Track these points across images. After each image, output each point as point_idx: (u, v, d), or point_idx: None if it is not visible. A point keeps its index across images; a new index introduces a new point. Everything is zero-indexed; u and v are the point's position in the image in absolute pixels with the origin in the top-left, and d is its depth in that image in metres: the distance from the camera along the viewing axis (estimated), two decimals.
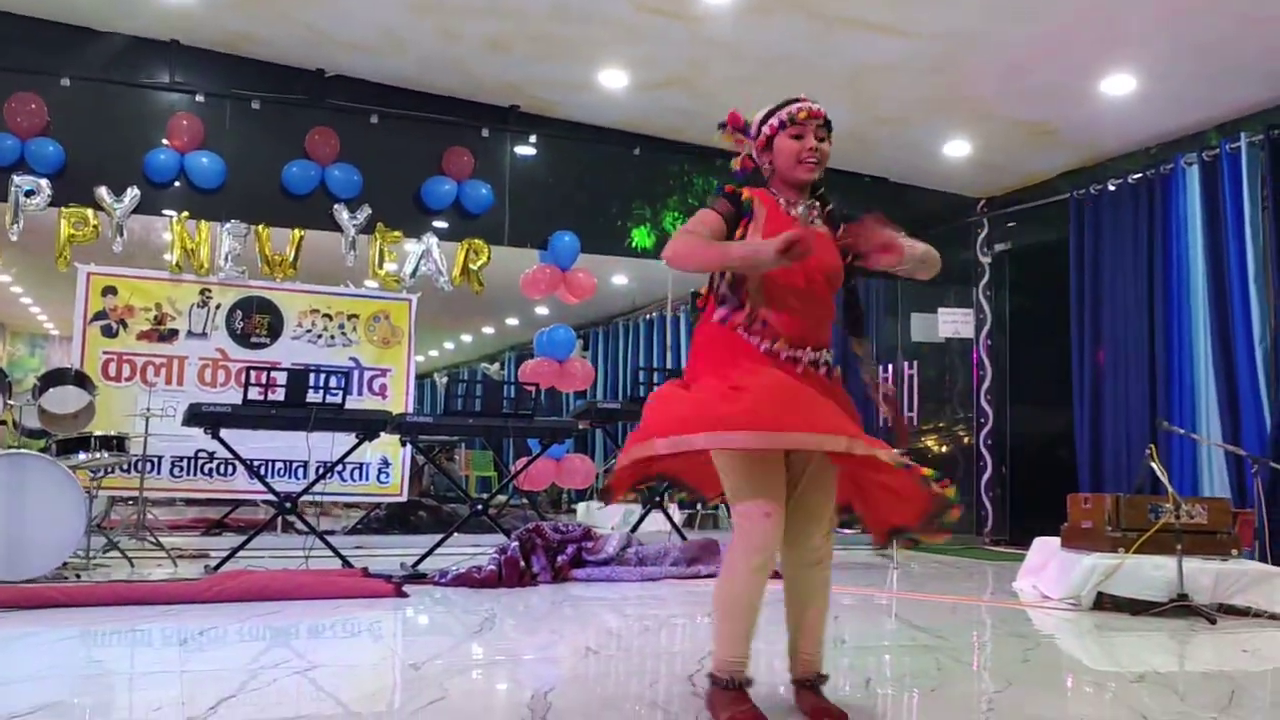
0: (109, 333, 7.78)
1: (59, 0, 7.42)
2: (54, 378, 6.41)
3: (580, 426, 7.64)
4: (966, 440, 10.05)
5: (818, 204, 3.04)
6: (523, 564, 5.93)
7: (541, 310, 10.84)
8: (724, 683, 2.79)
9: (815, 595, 2.98)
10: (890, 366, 10.21)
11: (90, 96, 7.75)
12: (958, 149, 8.82)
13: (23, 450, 5.57)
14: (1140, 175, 8.13)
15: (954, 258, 10.14)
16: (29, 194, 7.30)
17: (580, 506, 10.86)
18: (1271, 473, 6.25)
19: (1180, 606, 4.96)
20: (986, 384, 9.97)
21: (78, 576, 5.51)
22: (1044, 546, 6.07)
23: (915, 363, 10.09)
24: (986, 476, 9.86)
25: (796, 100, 3.00)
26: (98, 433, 6.30)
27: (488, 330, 15.46)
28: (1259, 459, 6.17)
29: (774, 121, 2.97)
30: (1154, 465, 5.42)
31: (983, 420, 9.95)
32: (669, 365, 11.60)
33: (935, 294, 10.11)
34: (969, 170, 9.32)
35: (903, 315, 10.18)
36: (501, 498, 9.10)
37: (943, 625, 4.84)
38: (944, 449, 10.12)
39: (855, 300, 3.15)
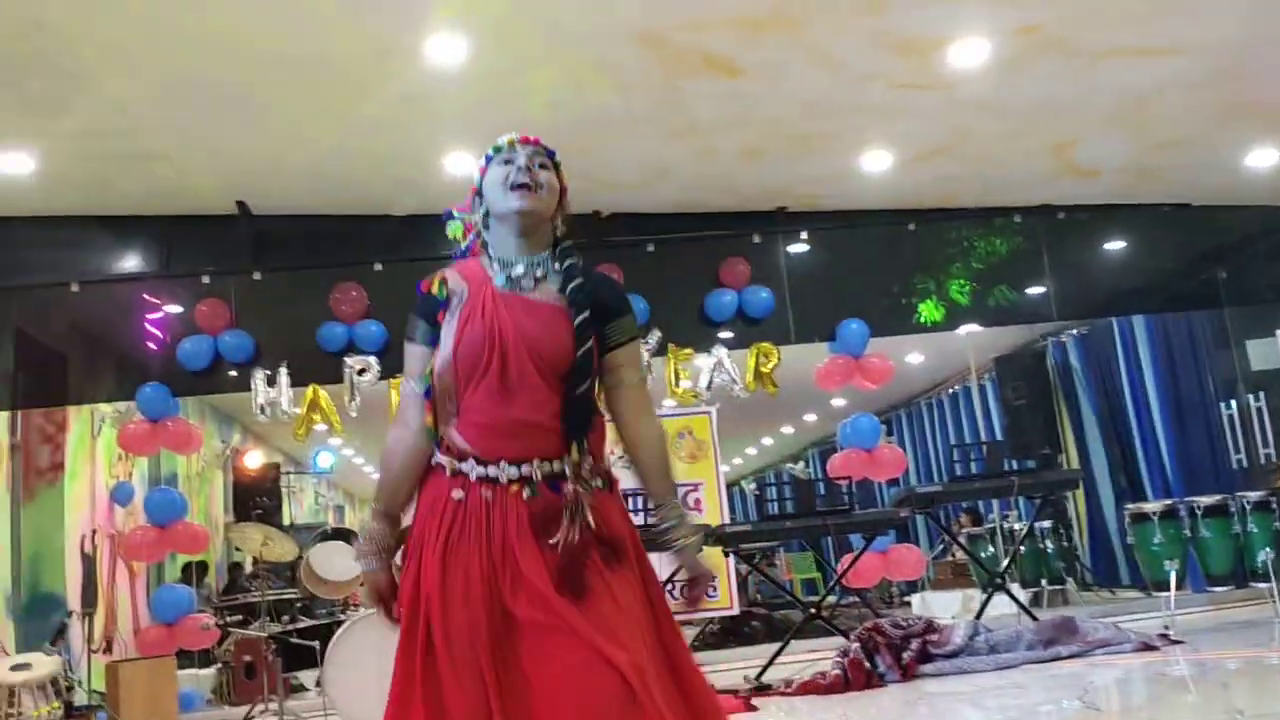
0: None
1: (334, 199, 8.18)
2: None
3: (901, 515, 7.42)
4: None
5: (556, 262, 2.39)
6: (867, 665, 5.76)
7: (838, 402, 10.75)
8: None
9: None
10: (1234, 403, 9.31)
11: (399, 278, 8.51)
12: (1262, 159, 8.10)
13: None
14: None
15: None
16: (360, 372, 8.04)
17: (914, 598, 10.47)
18: None
19: None
20: None
21: None
22: None
23: (1261, 394, 9.15)
24: None
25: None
26: None
27: (786, 430, 15.46)
28: None
29: (481, 163, 2.39)
30: None
31: None
32: (982, 438, 11.15)
33: (1270, 315, 9.21)
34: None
35: (1235, 345, 9.31)
36: (831, 598, 8.91)
37: None
38: None
39: (585, 401, 2.31)
